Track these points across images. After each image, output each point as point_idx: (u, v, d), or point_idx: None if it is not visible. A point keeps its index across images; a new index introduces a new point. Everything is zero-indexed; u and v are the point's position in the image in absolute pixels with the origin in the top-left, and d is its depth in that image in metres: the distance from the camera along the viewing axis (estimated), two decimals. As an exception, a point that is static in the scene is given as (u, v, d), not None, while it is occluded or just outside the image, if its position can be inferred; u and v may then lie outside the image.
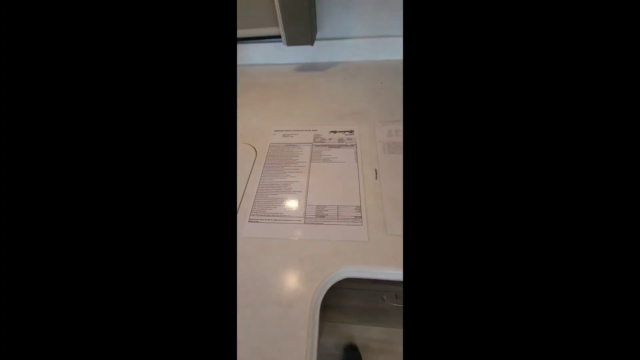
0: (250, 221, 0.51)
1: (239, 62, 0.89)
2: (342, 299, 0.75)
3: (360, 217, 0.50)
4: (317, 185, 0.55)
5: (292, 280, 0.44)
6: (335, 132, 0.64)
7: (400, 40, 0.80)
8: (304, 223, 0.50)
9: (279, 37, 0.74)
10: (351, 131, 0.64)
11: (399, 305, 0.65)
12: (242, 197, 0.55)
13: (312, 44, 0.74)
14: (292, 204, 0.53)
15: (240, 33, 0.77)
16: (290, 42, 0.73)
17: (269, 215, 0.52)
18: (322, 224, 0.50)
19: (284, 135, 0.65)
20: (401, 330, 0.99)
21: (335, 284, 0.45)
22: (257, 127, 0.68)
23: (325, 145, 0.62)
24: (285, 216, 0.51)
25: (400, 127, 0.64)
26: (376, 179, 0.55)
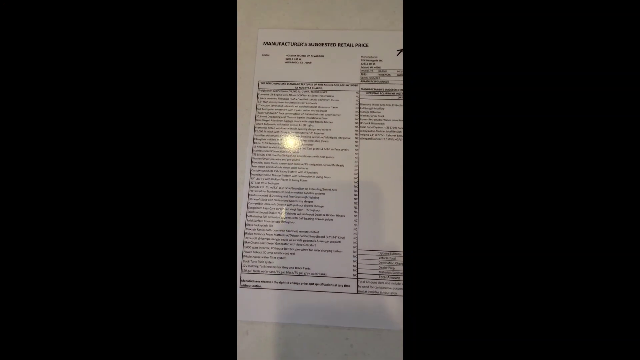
0: (243, 285, 0.25)
1: None
2: None
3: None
4: (375, 198, 0.26)
5: None
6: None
7: None
8: (356, 292, 0.24)
9: None
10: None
11: None
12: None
13: None
14: (323, 247, 0.25)
15: None
16: None
17: (281, 272, 0.25)
18: (394, 294, 0.24)
19: (288, 58, 0.29)
20: None
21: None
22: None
23: (391, 92, 0.27)
24: (312, 274, 0.25)
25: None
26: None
